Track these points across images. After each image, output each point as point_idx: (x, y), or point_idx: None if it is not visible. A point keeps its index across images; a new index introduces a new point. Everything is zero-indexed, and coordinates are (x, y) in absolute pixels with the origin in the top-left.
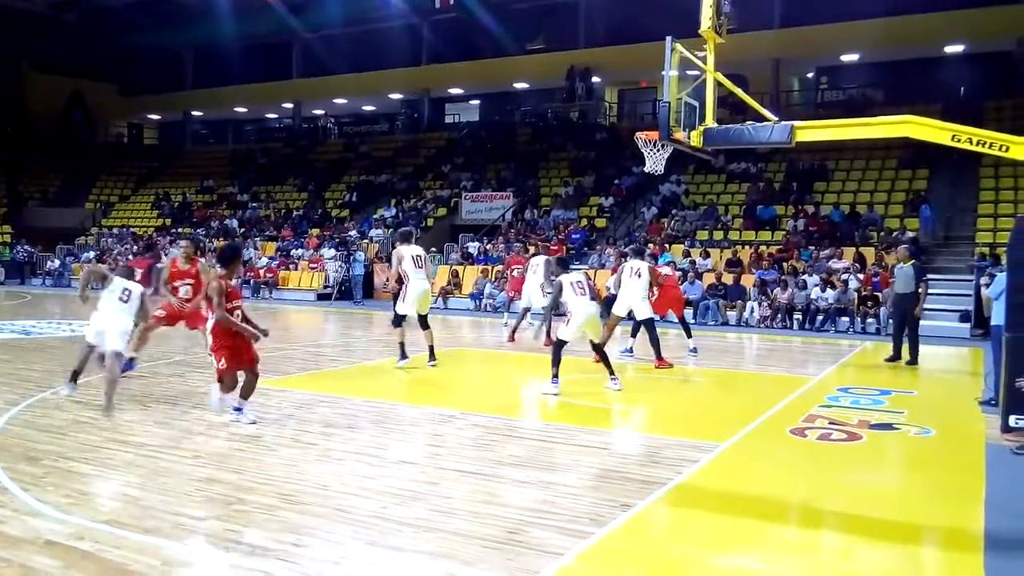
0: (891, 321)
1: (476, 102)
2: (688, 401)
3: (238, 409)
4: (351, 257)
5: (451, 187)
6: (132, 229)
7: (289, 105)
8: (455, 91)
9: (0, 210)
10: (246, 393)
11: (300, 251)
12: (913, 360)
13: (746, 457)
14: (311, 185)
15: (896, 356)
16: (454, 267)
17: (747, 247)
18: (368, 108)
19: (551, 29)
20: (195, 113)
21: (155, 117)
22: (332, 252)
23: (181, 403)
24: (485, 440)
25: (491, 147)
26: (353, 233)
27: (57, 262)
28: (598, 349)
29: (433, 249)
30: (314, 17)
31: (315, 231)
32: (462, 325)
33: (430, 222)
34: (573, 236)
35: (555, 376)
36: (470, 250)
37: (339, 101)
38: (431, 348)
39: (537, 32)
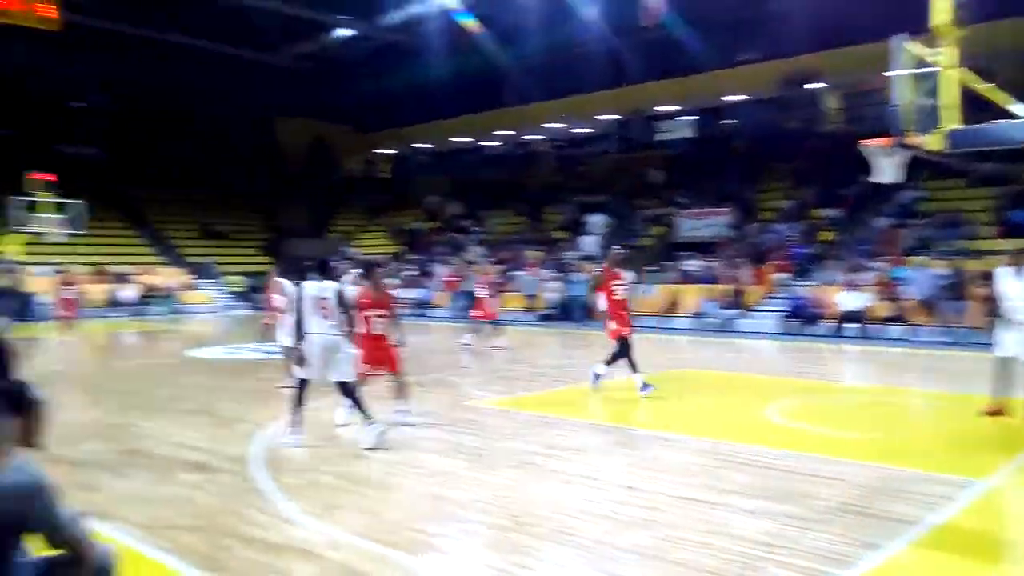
0: None
1: (690, 117)
2: (928, 429)
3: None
4: (568, 279)
5: (666, 205)
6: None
7: (504, 133)
8: (665, 108)
9: (261, 242)
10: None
11: (520, 273)
12: None
13: (1017, 496)
14: (528, 208)
15: None
16: (672, 286)
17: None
18: (580, 130)
19: (761, 38)
20: (416, 145)
21: (387, 152)
22: (551, 274)
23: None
24: (708, 465)
25: (706, 162)
26: (573, 254)
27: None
28: (348, 392)
29: (647, 268)
30: (520, 50)
31: (534, 253)
32: (682, 345)
33: (646, 241)
34: (795, 251)
35: (294, 423)
36: (688, 268)
37: (550, 126)
38: None
39: (746, 42)
